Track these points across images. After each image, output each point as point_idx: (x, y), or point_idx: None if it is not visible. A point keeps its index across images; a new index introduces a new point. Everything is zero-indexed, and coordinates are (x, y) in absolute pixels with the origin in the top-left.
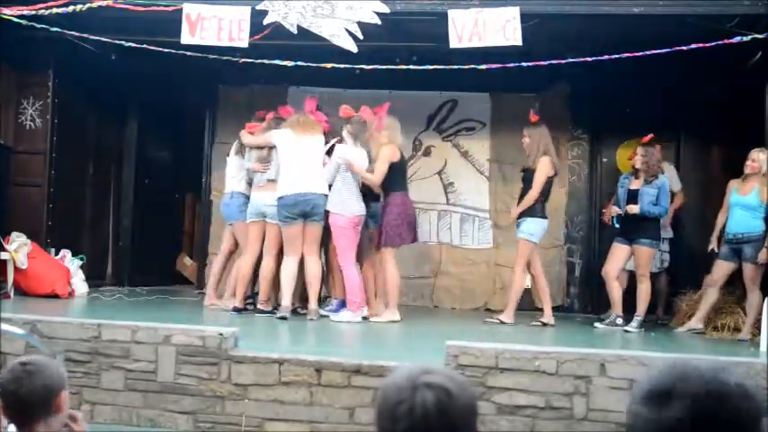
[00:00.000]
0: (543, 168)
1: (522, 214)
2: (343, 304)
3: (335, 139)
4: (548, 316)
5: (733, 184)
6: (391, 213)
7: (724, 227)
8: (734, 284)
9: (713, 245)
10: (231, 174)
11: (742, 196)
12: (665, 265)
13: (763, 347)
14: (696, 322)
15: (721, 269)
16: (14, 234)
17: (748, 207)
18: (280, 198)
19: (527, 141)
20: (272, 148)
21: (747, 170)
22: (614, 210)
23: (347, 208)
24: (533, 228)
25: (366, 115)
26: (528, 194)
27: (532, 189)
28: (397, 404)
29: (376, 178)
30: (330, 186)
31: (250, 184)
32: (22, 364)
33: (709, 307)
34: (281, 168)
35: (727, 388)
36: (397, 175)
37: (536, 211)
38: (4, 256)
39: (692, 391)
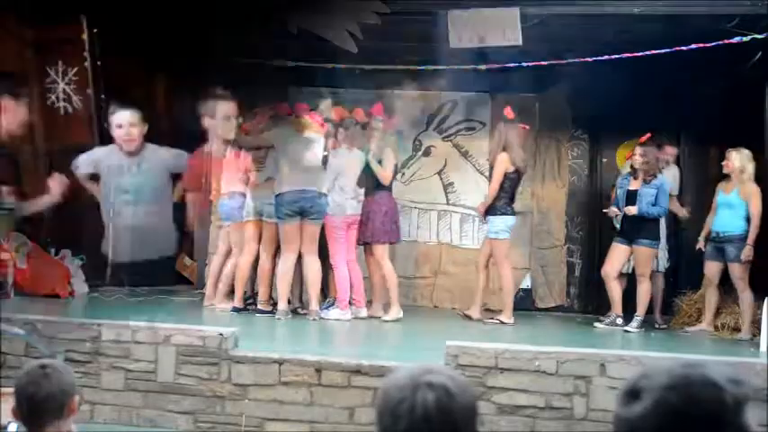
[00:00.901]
0: (500, 165)
1: (487, 213)
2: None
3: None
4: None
5: (720, 186)
6: (379, 211)
7: None
8: (733, 284)
9: (700, 244)
10: (228, 174)
11: (726, 195)
12: (664, 264)
13: (762, 347)
14: (706, 325)
15: (709, 269)
16: (14, 234)
17: (730, 206)
18: (278, 195)
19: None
20: (268, 147)
21: (724, 170)
22: (613, 210)
23: (343, 211)
24: (498, 225)
25: (359, 117)
26: (489, 192)
27: (491, 186)
28: (398, 403)
29: (387, 175)
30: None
31: (246, 183)
32: (41, 367)
33: (713, 308)
34: (281, 166)
35: (690, 381)
36: None
37: (496, 209)
38: (4, 256)
39: (656, 387)
